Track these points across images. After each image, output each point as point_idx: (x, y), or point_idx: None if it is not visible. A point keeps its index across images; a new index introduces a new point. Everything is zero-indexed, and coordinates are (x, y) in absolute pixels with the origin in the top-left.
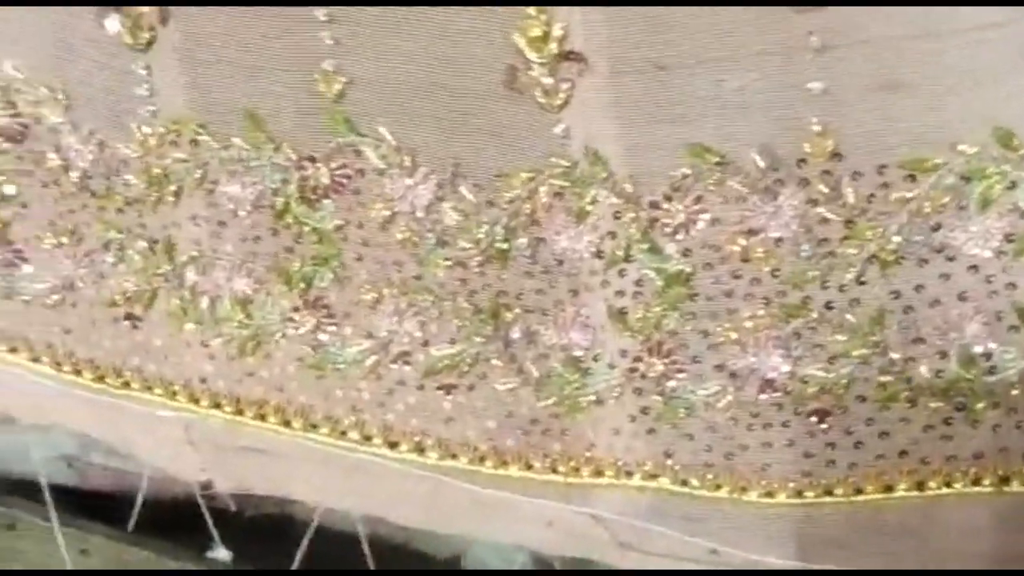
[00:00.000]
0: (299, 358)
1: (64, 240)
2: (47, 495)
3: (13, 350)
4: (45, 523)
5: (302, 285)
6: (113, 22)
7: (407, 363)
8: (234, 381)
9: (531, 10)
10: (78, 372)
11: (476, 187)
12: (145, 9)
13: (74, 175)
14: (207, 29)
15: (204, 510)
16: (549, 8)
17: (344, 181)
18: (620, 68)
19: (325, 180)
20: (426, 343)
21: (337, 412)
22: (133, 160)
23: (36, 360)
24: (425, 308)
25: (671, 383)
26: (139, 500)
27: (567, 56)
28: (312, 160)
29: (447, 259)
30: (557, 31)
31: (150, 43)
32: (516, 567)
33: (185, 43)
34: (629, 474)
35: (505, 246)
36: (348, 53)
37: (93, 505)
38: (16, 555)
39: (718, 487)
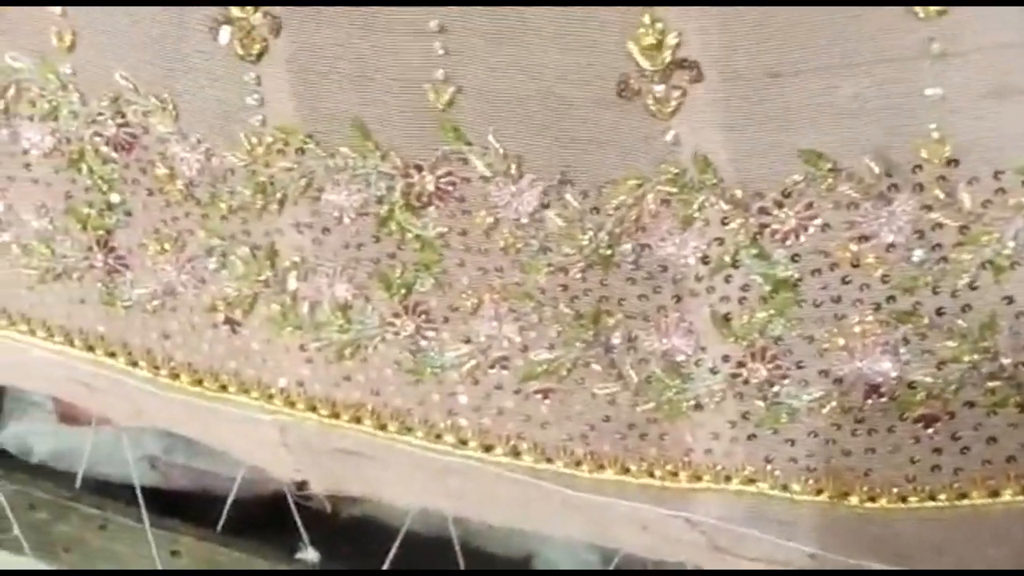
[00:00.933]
0: (397, 362)
1: (167, 247)
2: (140, 497)
3: (112, 354)
4: (136, 524)
5: (402, 291)
6: (225, 33)
7: (505, 368)
8: (331, 385)
9: (645, 18)
10: (176, 376)
11: (582, 194)
12: (258, 21)
13: (180, 183)
14: (319, 40)
15: (293, 511)
16: (663, 17)
17: (449, 189)
18: (733, 75)
19: (430, 188)
20: (525, 348)
21: (433, 416)
22: (239, 168)
23: (134, 364)
24: (525, 313)
25: (774, 388)
26: (229, 501)
27: (680, 64)
28: (418, 168)
29: (549, 265)
30: (671, 40)
31: (261, 54)
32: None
33: (297, 54)
34: (728, 479)
35: (609, 252)
36: (459, 63)
37: (175, 504)
38: (110, 556)
39: (819, 492)
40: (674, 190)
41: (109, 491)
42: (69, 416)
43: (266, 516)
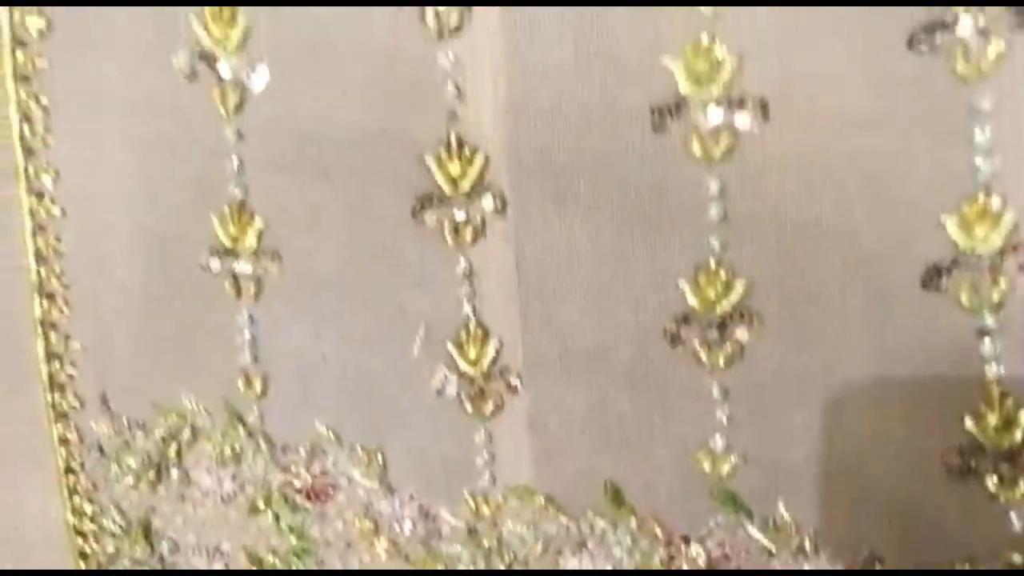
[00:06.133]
0: None
1: None
2: None
3: None
4: None
5: None
6: (452, 387)
7: None
8: None
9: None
10: None
11: None
12: (492, 379)
13: (385, 540)
14: (570, 401)
15: None
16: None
17: (723, 562)
18: None
19: (700, 562)
20: None
21: None
22: (460, 529)
23: None
24: None
25: None
26: None
27: None
28: (685, 540)
29: None
30: None
31: (496, 411)
32: None
33: (541, 415)
34: None
35: None
36: (744, 430)
37: None
38: None
39: None
40: None
41: None
42: None
43: None
